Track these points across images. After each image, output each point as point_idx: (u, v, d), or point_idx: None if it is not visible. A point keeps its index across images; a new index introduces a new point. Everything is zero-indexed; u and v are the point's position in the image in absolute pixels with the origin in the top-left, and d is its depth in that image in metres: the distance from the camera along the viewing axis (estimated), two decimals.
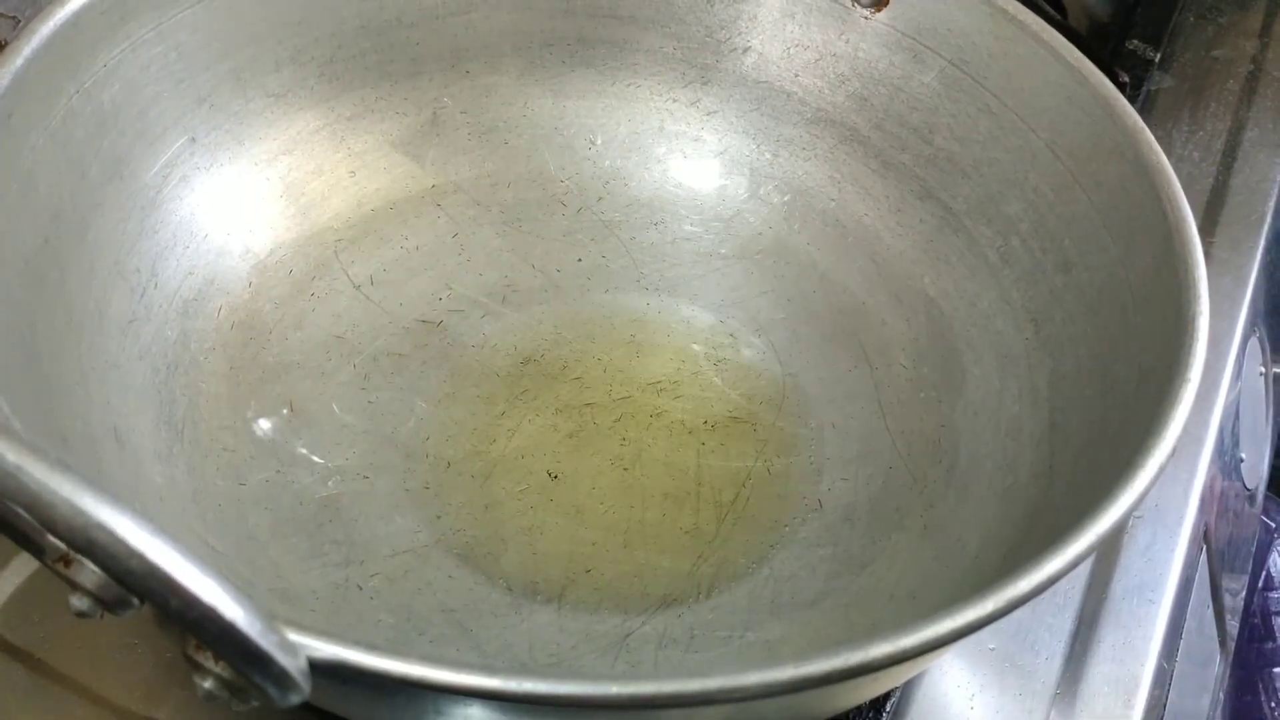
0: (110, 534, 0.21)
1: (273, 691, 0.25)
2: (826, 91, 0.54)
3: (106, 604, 0.25)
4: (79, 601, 0.26)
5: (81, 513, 0.21)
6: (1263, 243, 0.63)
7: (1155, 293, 0.41)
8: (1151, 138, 0.43)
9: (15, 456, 0.21)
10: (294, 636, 0.26)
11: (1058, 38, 0.47)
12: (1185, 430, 0.36)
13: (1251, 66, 0.74)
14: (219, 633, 0.23)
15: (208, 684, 0.27)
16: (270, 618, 0.24)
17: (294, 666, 0.25)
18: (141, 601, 0.24)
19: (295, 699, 0.26)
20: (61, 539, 0.22)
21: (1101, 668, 0.47)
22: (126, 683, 0.43)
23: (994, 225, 0.49)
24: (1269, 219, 0.65)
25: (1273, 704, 0.66)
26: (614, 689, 0.27)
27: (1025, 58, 0.48)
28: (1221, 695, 0.59)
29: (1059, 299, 0.46)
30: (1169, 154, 0.67)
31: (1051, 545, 0.31)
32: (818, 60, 0.54)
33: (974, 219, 0.50)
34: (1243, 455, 0.60)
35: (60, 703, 0.43)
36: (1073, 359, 0.44)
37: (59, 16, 0.41)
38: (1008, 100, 0.49)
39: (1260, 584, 0.71)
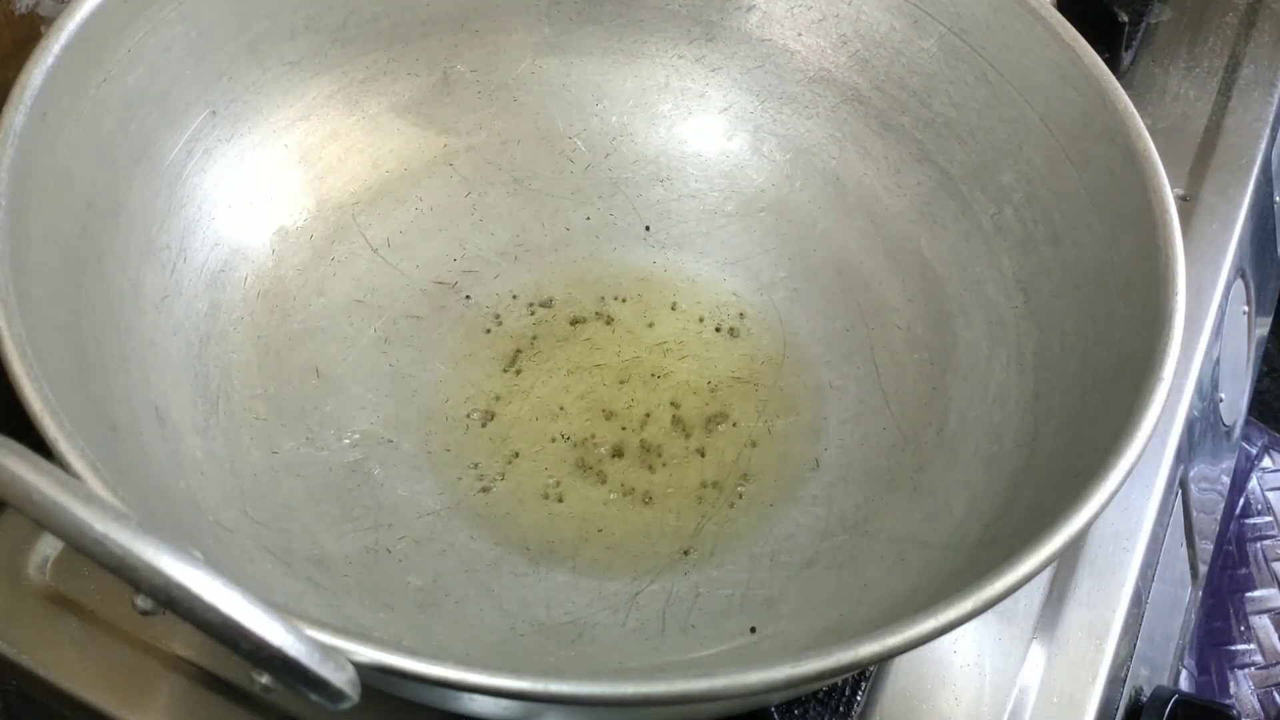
0: (188, 592, 0.24)
1: (327, 705, 0.28)
2: (829, 51, 0.55)
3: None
4: (143, 603, 0.29)
5: (161, 574, 0.24)
6: (1252, 184, 0.65)
7: (1136, 280, 0.43)
8: (1140, 124, 0.45)
9: (103, 526, 0.24)
10: (342, 643, 0.29)
11: (1054, 14, 0.48)
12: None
13: None
14: (283, 668, 0.26)
15: (264, 680, 0.30)
16: (327, 649, 0.27)
17: (345, 681, 0.28)
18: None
19: (346, 706, 0.29)
20: (145, 595, 0.25)
21: (1077, 612, 0.50)
22: (176, 631, 0.47)
23: (988, 192, 0.51)
24: (1259, 161, 0.66)
25: (1242, 628, 0.70)
26: (629, 689, 0.30)
27: (1021, 32, 0.49)
28: (1193, 619, 0.63)
29: (1048, 271, 0.48)
30: (1165, 91, 0.68)
31: (1022, 545, 0.34)
32: (820, 20, 0.55)
33: (969, 185, 0.52)
34: (1222, 395, 0.63)
35: (111, 652, 0.46)
36: (1058, 332, 0.47)
37: (84, 9, 0.43)
38: (1004, 71, 0.50)
39: (1238, 511, 0.74)
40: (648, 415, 0.50)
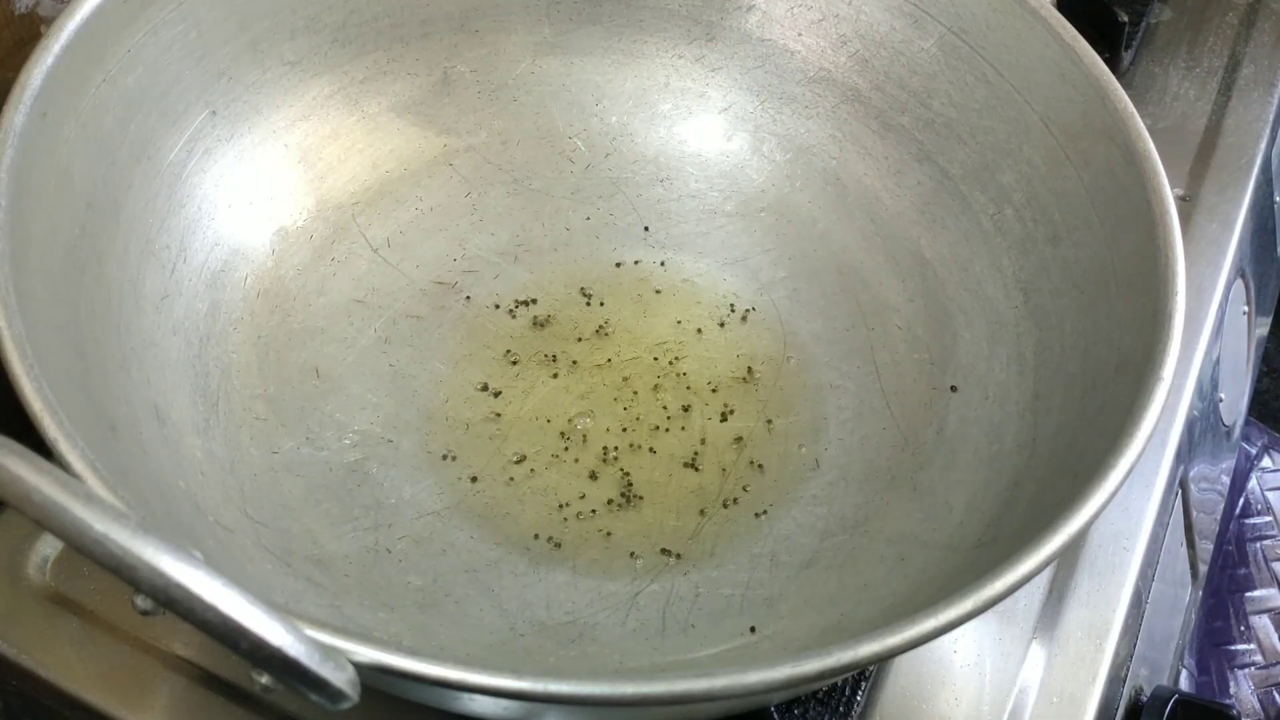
0: (187, 592, 0.24)
1: (327, 705, 0.28)
2: (829, 51, 0.55)
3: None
4: (143, 603, 0.29)
5: (161, 574, 0.24)
6: (1252, 184, 0.65)
7: (1136, 279, 0.43)
8: (1141, 124, 0.45)
9: (103, 526, 0.24)
10: (342, 643, 0.29)
11: (1054, 14, 0.48)
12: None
13: None
14: (283, 668, 0.26)
15: (264, 680, 0.30)
16: (326, 648, 0.27)
17: (345, 681, 0.28)
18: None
19: (346, 706, 0.29)
20: (145, 595, 0.25)
21: (1077, 612, 0.50)
22: (176, 631, 0.47)
23: (988, 192, 0.51)
24: (1259, 161, 0.66)
25: (1242, 628, 0.70)
26: (629, 689, 0.30)
27: (1021, 32, 0.49)
28: (1193, 619, 0.63)
29: (1048, 271, 0.48)
30: (1165, 91, 0.68)
31: (1022, 545, 0.34)
32: (820, 20, 0.55)
33: (969, 185, 0.52)
34: (1221, 395, 0.63)
35: (111, 652, 0.46)
36: (1058, 332, 0.47)
37: (85, 9, 0.43)
38: (1004, 71, 0.50)
39: (1238, 511, 0.74)
40: (647, 415, 0.50)
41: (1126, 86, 0.46)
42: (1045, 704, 0.47)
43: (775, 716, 0.45)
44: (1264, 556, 0.75)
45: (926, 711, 0.47)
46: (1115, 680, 0.50)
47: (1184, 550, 0.60)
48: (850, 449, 0.49)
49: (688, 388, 0.51)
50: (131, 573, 0.24)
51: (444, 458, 0.48)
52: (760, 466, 0.49)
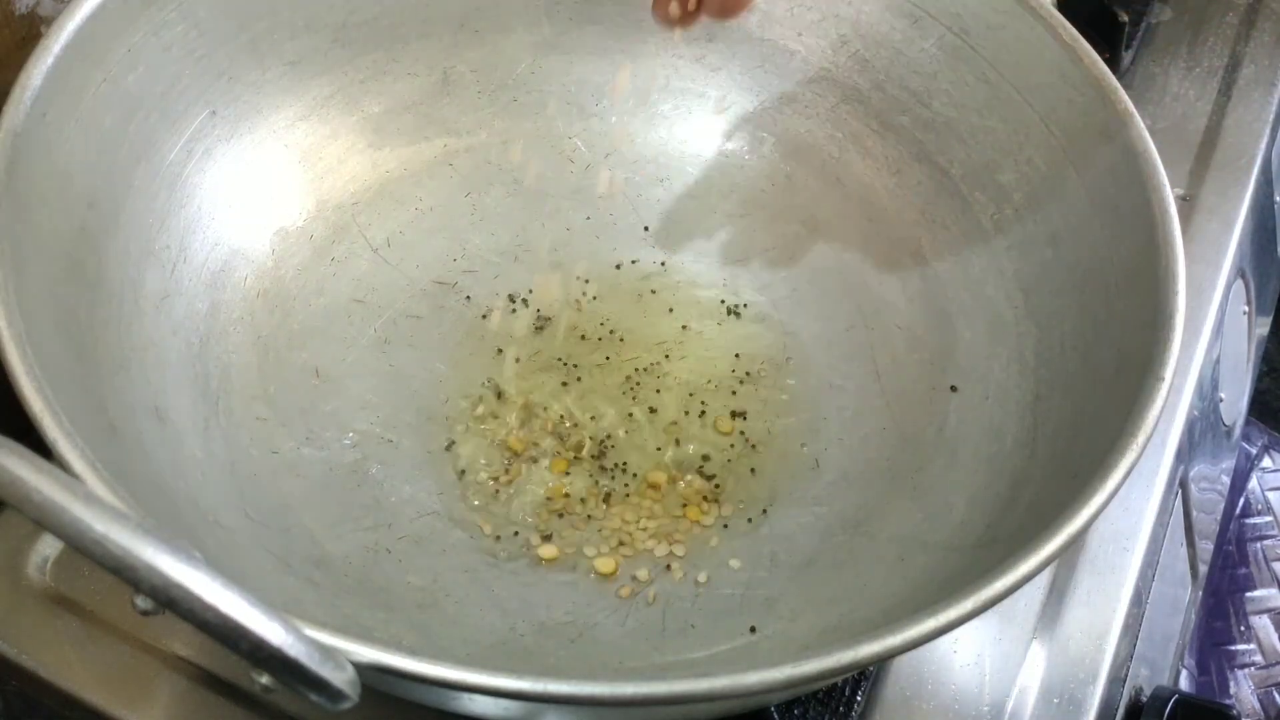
0: (187, 592, 0.24)
1: (327, 705, 0.28)
2: (829, 51, 0.55)
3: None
4: (143, 603, 0.29)
5: (161, 574, 0.24)
6: (1252, 185, 0.65)
7: (1136, 280, 0.43)
8: (1141, 124, 0.45)
9: (103, 526, 0.24)
10: (342, 643, 0.29)
11: (1055, 15, 0.48)
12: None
13: None
14: (283, 668, 0.26)
15: (264, 680, 0.30)
16: (327, 649, 0.27)
17: (345, 681, 0.28)
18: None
19: (346, 706, 0.29)
20: (145, 595, 0.25)
21: (1077, 612, 0.50)
22: (176, 631, 0.47)
23: (988, 192, 0.51)
24: (1259, 161, 0.66)
25: (1242, 628, 0.70)
26: (629, 689, 0.30)
27: (1022, 32, 0.49)
28: (1193, 619, 0.63)
29: (1048, 271, 0.48)
30: (1165, 91, 0.68)
31: (1022, 545, 0.34)
32: (820, 20, 0.55)
33: (969, 185, 0.52)
34: (1221, 395, 0.63)
35: (111, 652, 0.46)
36: (1058, 333, 0.47)
37: (85, 9, 0.43)
38: (1004, 71, 0.50)
39: (1238, 511, 0.74)
40: (647, 415, 0.50)
41: (1126, 86, 0.46)
42: (1045, 704, 0.47)
43: (775, 716, 0.45)
44: (1264, 556, 0.75)
45: (926, 711, 0.47)
46: (1115, 680, 0.50)
47: (1184, 550, 0.60)
48: (850, 449, 0.49)
49: (688, 388, 0.51)
50: (131, 573, 0.24)
51: (444, 457, 0.48)
52: (760, 466, 0.49)
